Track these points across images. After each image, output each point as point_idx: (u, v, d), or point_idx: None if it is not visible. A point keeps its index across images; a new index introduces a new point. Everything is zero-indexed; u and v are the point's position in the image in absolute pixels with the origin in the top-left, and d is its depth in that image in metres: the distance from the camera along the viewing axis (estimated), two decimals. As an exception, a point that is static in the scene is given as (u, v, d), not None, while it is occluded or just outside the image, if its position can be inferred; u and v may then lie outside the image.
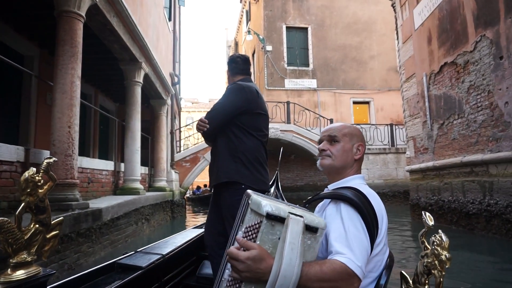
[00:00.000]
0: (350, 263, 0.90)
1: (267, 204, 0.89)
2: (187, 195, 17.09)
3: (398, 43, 8.44)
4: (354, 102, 16.78)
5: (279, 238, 0.89)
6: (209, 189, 18.74)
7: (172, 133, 11.27)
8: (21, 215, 0.97)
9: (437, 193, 6.80)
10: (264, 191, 1.92)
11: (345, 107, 16.49)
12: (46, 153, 4.22)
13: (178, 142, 13.43)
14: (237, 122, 1.95)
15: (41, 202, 1.02)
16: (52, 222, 1.06)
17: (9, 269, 0.95)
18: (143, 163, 8.96)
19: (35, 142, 6.70)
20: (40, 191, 1.01)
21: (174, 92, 11.20)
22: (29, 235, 0.99)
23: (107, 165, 6.54)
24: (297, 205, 1.03)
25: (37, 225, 1.01)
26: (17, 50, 6.64)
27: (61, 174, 3.98)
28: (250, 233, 0.90)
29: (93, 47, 6.94)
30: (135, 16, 6.39)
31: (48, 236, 1.04)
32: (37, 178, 1.00)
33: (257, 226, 0.89)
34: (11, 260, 0.95)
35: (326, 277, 0.89)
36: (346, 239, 0.95)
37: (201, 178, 15.02)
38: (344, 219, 0.99)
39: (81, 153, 7.39)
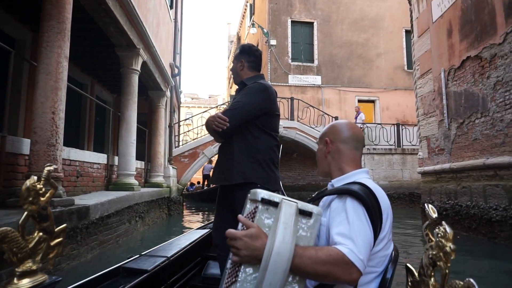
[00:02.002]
0: (350, 253, 0.89)
1: (262, 191, 0.95)
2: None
3: (413, 37, 7.94)
4: (359, 101, 16.29)
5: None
6: (201, 186, 18.44)
7: (170, 126, 10.78)
8: (25, 223, 0.97)
9: (453, 197, 6.33)
10: (277, 190, 1.89)
11: (349, 105, 15.99)
12: (27, 141, 3.73)
13: (176, 137, 12.93)
14: (256, 122, 1.89)
15: (43, 210, 1.02)
16: (55, 230, 1.07)
17: (15, 278, 0.96)
18: (140, 158, 8.49)
19: (25, 130, 6.21)
20: (42, 199, 1.01)
21: (174, 84, 10.70)
22: (33, 243, 1.00)
23: (99, 158, 6.05)
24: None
25: (40, 233, 1.02)
26: (7, 33, 6.16)
27: (42, 166, 3.45)
28: (248, 219, 0.95)
29: (89, 32, 6.48)
30: (134, -3, 5.89)
31: (52, 244, 1.05)
32: (38, 186, 1.00)
33: (254, 211, 0.95)
34: (16, 269, 0.96)
35: (319, 261, 0.89)
36: (349, 231, 0.94)
37: (197, 174, 14.59)
38: (348, 213, 0.97)
39: (75, 145, 6.88)
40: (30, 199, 0.97)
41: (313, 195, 1.20)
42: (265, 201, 0.94)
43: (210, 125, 1.81)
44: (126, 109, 6.62)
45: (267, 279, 0.85)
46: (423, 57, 7.52)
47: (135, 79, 6.75)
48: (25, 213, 0.96)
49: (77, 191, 5.12)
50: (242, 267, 0.92)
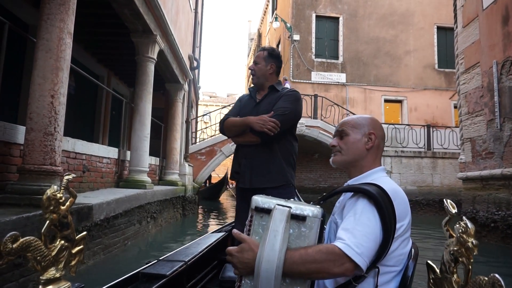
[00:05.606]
0: (345, 247, 0.89)
1: (258, 199, 0.99)
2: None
3: (456, 27, 7.16)
4: (386, 100, 15.43)
5: None
6: (205, 184, 18.07)
7: (187, 122, 10.28)
8: (47, 232, 0.99)
9: (504, 208, 5.54)
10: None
11: (375, 105, 15.17)
12: (22, 129, 3.24)
13: (194, 134, 12.45)
14: (291, 128, 2.06)
15: (64, 218, 1.03)
16: (76, 237, 1.07)
17: (40, 286, 0.96)
18: (155, 154, 8.02)
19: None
20: (62, 207, 1.01)
21: (192, 77, 10.20)
22: (55, 251, 1.01)
23: (109, 152, 5.55)
24: (309, 203, 1.03)
25: (62, 241, 1.03)
26: (21, 18, 5.78)
27: (37, 158, 2.99)
28: (247, 228, 0.99)
29: (105, 18, 6.05)
30: (151, -23, 5.39)
31: (73, 252, 1.06)
32: (58, 195, 1.00)
33: (250, 220, 0.98)
34: (41, 277, 0.96)
35: (309, 259, 0.89)
36: (352, 226, 0.94)
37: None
38: (357, 210, 0.98)
39: (89, 139, 6.43)
40: (51, 208, 0.99)
41: (324, 194, 1.19)
42: (258, 209, 0.98)
43: (259, 127, 1.85)
44: (141, 100, 6.12)
45: (261, 286, 0.88)
46: (468, 50, 6.72)
47: (151, 68, 6.25)
48: (47, 221, 0.98)
49: (83, 187, 4.64)
50: (243, 278, 0.96)
